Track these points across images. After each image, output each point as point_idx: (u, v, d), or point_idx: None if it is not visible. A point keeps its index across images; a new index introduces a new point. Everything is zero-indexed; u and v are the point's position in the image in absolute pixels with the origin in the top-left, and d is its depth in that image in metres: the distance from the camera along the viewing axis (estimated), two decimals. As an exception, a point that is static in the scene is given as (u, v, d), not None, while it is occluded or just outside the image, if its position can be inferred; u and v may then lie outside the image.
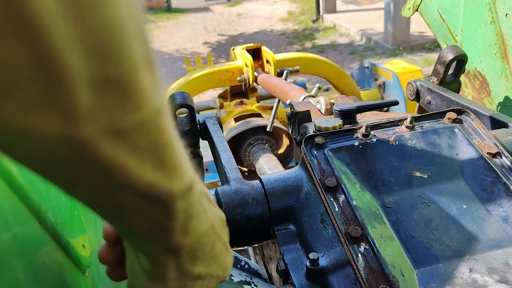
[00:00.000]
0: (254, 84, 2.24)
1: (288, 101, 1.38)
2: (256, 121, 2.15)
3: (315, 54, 2.60)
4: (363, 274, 0.57)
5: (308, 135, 0.76)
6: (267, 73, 2.20)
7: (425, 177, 0.72)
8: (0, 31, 0.16)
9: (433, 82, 1.12)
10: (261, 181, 0.74)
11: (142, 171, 0.23)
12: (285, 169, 2.19)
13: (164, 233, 0.28)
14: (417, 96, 1.14)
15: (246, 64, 2.23)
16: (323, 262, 0.62)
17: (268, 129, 1.63)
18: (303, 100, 1.28)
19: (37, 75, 0.17)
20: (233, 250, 0.68)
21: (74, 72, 0.18)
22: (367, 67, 2.88)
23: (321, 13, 9.51)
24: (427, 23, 1.55)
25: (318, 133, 0.77)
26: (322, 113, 1.09)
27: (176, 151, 0.25)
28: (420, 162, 0.74)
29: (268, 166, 1.90)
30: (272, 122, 1.61)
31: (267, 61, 2.26)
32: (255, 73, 2.20)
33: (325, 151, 0.74)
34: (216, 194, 0.72)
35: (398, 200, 0.69)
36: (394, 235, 0.64)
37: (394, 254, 0.60)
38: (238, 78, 2.28)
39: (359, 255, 0.60)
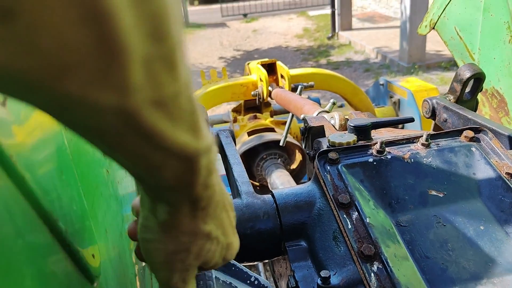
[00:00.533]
0: (268, 99, 2.25)
1: (302, 116, 1.38)
2: (269, 136, 2.15)
3: (333, 72, 2.60)
4: (375, 294, 0.55)
5: (321, 150, 0.75)
6: (281, 88, 2.20)
7: (441, 196, 0.70)
8: (75, 17, 0.19)
9: (450, 100, 1.10)
10: (273, 196, 0.73)
11: (176, 134, 0.27)
12: (298, 185, 2.17)
13: (189, 185, 0.32)
14: (433, 114, 1.12)
15: (260, 79, 2.23)
16: (334, 280, 0.61)
17: (281, 144, 1.62)
18: (317, 115, 1.28)
19: (101, 54, 0.21)
20: (243, 266, 0.67)
21: (132, 52, 0.22)
22: (382, 84, 2.86)
23: (336, 30, 9.55)
24: (444, 41, 1.54)
25: (332, 148, 0.76)
26: (336, 129, 1.08)
27: (200, 116, 0.30)
28: (436, 180, 0.72)
29: (281, 181, 1.89)
30: (285, 137, 1.61)
31: (282, 76, 2.26)
32: (270, 88, 2.20)
33: (339, 166, 0.73)
34: None
35: (412, 219, 0.67)
36: (408, 255, 0.62)
37: (408, 275, 0.58)
38: (252, 93, 2.28)
39: (372, 274, 0.58)
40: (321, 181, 0.72)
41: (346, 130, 0.89)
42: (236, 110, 2.55)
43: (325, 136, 0.99)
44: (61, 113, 0.23)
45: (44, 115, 0.23)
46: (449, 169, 0.74)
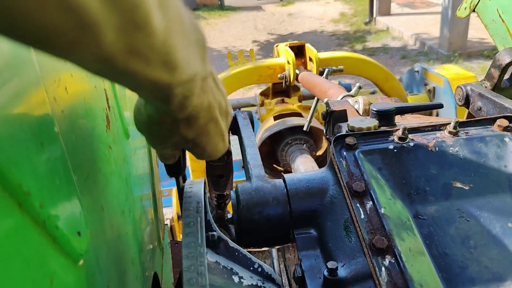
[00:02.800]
0: (296, 82, 2.18)
1: (325, 100, 1.32)
2: (294, 120, 2.09)
3: (365, 56, 2.49)
4: (385, 291, 0.51)
5: (338, 134, 0.71)
6: (309, 71, 2.13)
7: (466, 188, 0.65)
8: (54, 5, 0.25)
9: (486, 87, 1.02)
10: (284, 181, 0.70)
11: (149, 72, 0.34)
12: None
13: (167, 104, 0.41)
14: (467, 102, 1.05)
15: (288, 61, 2.18)
16: (342, 272, 0.57)
17: (304, 128, 1.56)
18: (341, 99, 1.22)
19: (78, 28, 0.27)
20: (250, 250, 0.64)
21: (102, 25, 0.28)
22: (417, 71, 2.74)
23: (374, 15, 9.26)
24: (484, 24, 1.44)
25: (350, 133, 0.72)
26: (359, 114, 1.02)
27: (178, 54, 0.36)
28: (462, 171, 0.67)
29: (304, 167, 1.84)
30: (309, 122, 1.55)
31: (310, 59, 2.19)
32: (297, 71, 2.13)
33: (356, 152, 0.69)
34: (236, 191, 0.68)
35: (433, 211, 0.62)
36: (425, 250, 0.57)
37: (423, 271, 0.54)
38: (279, 75, 2.21)
39: (383, 268, 0.54)
40: (336, 167, 0.67)
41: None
42: (264, 94, 2.50)
43: (347, 121, 0.94)
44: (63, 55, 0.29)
45: None
46: (477, 160, 0.68)
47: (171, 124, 0.46)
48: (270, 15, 11.66)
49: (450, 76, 2.44)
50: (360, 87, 1.25)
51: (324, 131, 1.03)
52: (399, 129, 0.72)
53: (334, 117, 0.97)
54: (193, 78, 0.40)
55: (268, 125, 2.14)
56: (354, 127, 0.75)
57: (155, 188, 1.12)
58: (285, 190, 0.68)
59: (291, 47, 2.22)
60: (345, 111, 0.97)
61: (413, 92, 2.74)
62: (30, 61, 0.37)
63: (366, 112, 0.99)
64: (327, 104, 1.03)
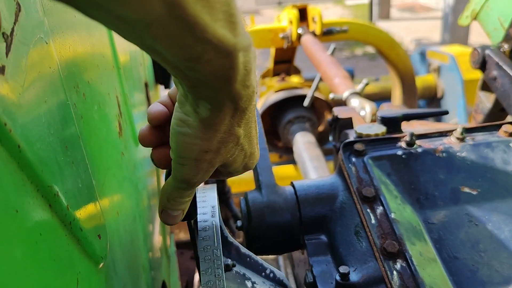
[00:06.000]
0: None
1: (330, 96, 1.32)
2: (298, 90, 2.03)
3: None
4: (397, 294, 0.52)
5: (347, 141, 0.72)
6: (313, 33, 2.07)
7: (474, 193, 0.66)
8: None
9: (504, 50, 1.01)
10: (293, 187, 0.70)
11: (216, 27, 0.30)
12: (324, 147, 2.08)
13: (228, 81, 0.34)
14: (482, 66, 1.02)
15: (290, 21, 2.11)
16: (354, 277, 0.57)
17: (305, 104, 1.52)
18: (347, 96, 1.22)
19: None
20: (260, 257, 0.65)
21: None
22: (422, 54, 2.69)
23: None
24: (486, 33, 1.45)
25: (359, 139, 0.73)
26: (366, 122, 1.03)
27: (238, 12, 0.32)
28: (470, 176, 0.67)
29: (309, 157, 1.75)
30: (311, 98, 1.51)
31: (314, 21, 2.11)
32: (299, 31, 2.06)
33: (365, 158, 0.69)
34: (246, 203, 0.69)
35: (442, 216, 0.63)
36: (436, 254, 0.58)
37: (434, 275, 0.55)
38: (281, 35, 2.13)
39: (394, 272, 0.55)
40: (345, 173, 0.68)
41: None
42: (264, 76, 2.47)
43: (353, 128, 0.95)
44: (114, 7, 0.26)
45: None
46: (484, 165, 0.69)
47: (229, 121, 0.39)
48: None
49: (456, 52, 2.37)
50: (367, 83, 1.26)
51: (331, 138, 1.04)
52: (406, 135, 0.73)
53: (340, 124, 0.98)
54: (250, 45, 0.34)
55: (269, 98, 2.09)
56: (362, 133, 0.76)
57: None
58: (295, 196, 0.69)
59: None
60: (350, 119, 0.98)
61: (418, 74, 2.68)
62: (56, 66, 0.38)
63: (373, 120, 1.00)
64: (333, 111, 1.04)
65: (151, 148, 0.45)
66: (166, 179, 0.45)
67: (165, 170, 0.47)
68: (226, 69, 0.33)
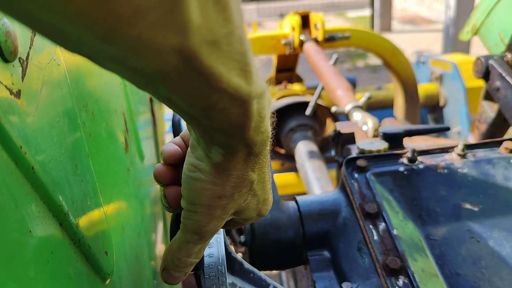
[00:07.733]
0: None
1: (333, 109, 1.33)
2: (301, 97, 2.02)
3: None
4: (399, 311, 0.52)
5: (349, 157, 0.73)
6: (315, 39, 2.09)
7: (476, 210, 0.66)
8: None
9: (507, 60, 1.01)
10: (296, 203, 0.71)
11: (231, 76, 0.30)
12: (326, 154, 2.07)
13: (242, 129, 0.34)
14: (486, 76, 1.02)
15: (293, 28, 2.12)
16: (357, 293, 0.58)
17: (307, 113, 1.53)
18: (349, 109, 1.23)
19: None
20: (263, 273, 0.65)
21: None
22: (423, 62, 2.70)
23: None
24: (487, 48, 1.47)
25: (361, 155, 0.74)
26: (368, 137, 1.04)
27: (252, 61, 0.32)
28: (471, 193, 0.68)
29: (311, 167, 1.75)
30: (313, 107, 1.52)
31: (316, 27, 2.13)
32: (302, 37, 2.07)
33: (367, 174, 0.70)
34: None
35: (444, 232, 0.64)
36: (437, 271, 0.58)
37: (436, 292, 0.55)
38: (283, 41, 2.14)
39: (397, 289, 0.55)
40: (348, 189, 0.69)
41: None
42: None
43: (355, 143, 0.96)
44: (129, 59, 0.26)
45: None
46: (485, 181, 0.70)
47: (242, 166, 0.38)
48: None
49: (458, 60, 2.37)
50: (369, 98, 1.27)
51: (333, 153, 1.05)
52: (408, 151, 0.73)
53: (343, 139, 0.99)
54: (264, 92, 0.35)
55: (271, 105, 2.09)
56: (364, 149, 0.77)
57: (165, 211, 1.14)
58: (298, 212, 0.69)
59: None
60: (353, 134, 0.99)
61: (421, 82, 2.69)
62: (67, 87, 0.40)
63: (375, 135, 1.01)
64: (335, 125, 1.05)
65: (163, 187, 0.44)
66: (171, 235, 0.44)
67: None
68: (240, 117, 0.33)
